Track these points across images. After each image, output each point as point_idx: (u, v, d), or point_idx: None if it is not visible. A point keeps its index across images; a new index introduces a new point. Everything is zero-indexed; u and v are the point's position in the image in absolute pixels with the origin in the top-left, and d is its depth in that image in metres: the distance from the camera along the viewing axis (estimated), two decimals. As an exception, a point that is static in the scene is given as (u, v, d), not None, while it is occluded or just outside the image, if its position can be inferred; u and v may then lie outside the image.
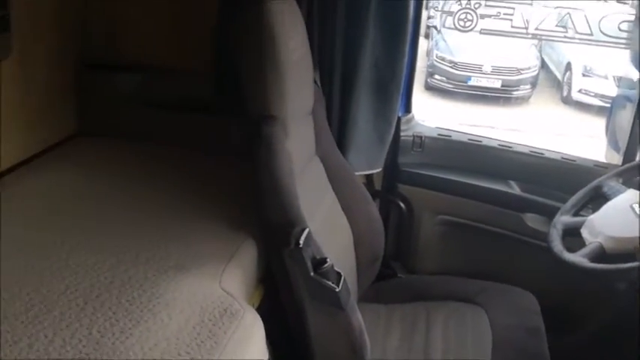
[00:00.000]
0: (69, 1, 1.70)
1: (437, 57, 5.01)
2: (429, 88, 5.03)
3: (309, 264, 1.25)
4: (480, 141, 2.00)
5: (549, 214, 1.72)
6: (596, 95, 4.74)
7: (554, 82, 5.25)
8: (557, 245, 1.53)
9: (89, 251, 1.22)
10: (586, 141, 4.17)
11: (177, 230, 1.33)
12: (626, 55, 3.26)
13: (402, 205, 1.99)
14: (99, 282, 1.12)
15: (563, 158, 1.93)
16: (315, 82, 1.61)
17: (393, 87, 1.74)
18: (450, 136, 2.02)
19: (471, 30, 2.50)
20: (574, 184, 1.72)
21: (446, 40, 5.04)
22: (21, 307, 1.04)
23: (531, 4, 2.69)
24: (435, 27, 4.88)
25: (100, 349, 0.96)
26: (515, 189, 1.95)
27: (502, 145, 1.99)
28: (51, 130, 1.72)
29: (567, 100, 5.01)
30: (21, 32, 1.50)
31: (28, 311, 1.03)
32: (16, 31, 1.48)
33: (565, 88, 5.06)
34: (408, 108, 1.99)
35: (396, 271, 2.02)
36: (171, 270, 1.18)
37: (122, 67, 1.81)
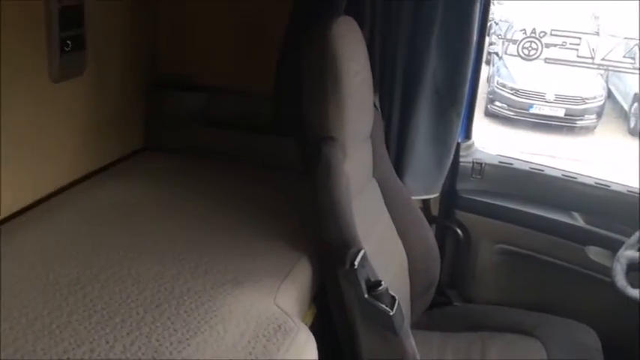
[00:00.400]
0: (141, 24, 1.79)
1: (498, 83, 4.95)
2: (489, 114, 4.97)
3: (363, 286, 1.25)
4: (543, 170, 1.95)
5: (613, 247, 1.65)
6: (665, 128, 4.56)
7: (620, 112, 5.08)
8: (621, 280, 1.48)
9: (151, 261, 1.26)
10: (654, 175, 4.00)
11: (235, 245, 1.36)
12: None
13: (459, 231, 1.96)
14: (159, 292, 1.15)
15: (629, 191, 1.86)
16: (375, 105, 1.62)
17: (454, 113, 1.73)
18: (512, 164, 1.98)
19: (536, 59, 2.46)
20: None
21: (507, 67, 4.98)
22: (84, 313, 1.08)
23: (598, 35, 2.64)
24: (497, 53, 4.84)
25: (158, 358, 0.99)
26: (578, 220, 1.89)
27: (566, 176, 1.93)
28: (120, 144, 1.80)
29: (635, 132, 4.84)
30: (95, 51, 1.58)
31: (91, 317, 1.07)
32: (91, 50, 1.57)
33: (632, 119, 4.89)
34: (468, 134, 1.97)
35: (451, 299, 1.98)
36: (229, 284, 1.20)
37: (187, 86, 1.88)
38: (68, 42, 1.47)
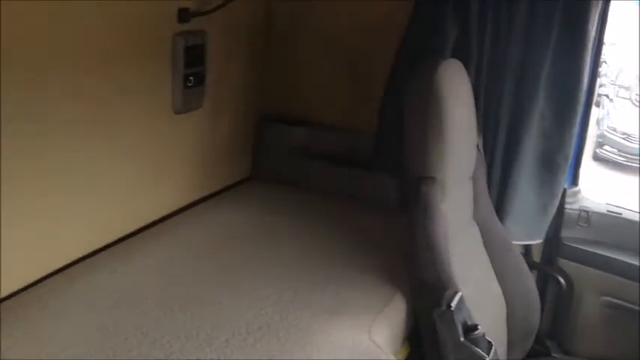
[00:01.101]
0: (253, 63, 1.91)
1: (608, 127, 4.71)
2: (598, 159, 4.73)
3: (459, 328, 1.24)
4: (654, 221, 1.84)
5: None
6: None
7: None
8: None
9: (252, 287, 1.33)
10: None
11: (333, 276, 1.39)
12: None
13: (561, 280, 1.87)
14: (260, 316, 1.22)
15: None
16: (478, 147, 1.62)
17: (561, 157, 1.68)
18: (620, 214, 1.88)
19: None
20: None
21: (618, 110, 4.73)
22: (192, 331, 1.16)
23: None
24: (607, 95, 4.63)
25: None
26: (689, 277, 1.75)
27: (679, 228, 1.81)
28: (228, 173, 1.91)
29: None
30: (213, 86, 1.71)
31: (198, 335, 1.14)
32: (209, 86, 1.69)
33: None
34: (575, 180, 1.90)
35: (550, 350, 1.89)
36: (325, 315, 1.23)
37: (293, 121, 1.97)
38: (191, 78, 1.60)
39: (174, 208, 1.69)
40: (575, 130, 1.68)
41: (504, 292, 1.61)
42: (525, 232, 1.75)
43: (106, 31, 1.35)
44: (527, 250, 1.88)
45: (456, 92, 1.41)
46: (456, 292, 1.26)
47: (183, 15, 1.54)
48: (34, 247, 1.28)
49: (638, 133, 4.62)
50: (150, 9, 1.45)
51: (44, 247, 1.31)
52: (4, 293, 1.22)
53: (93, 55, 1.33)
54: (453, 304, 1.24)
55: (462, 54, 1.60)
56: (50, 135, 1.26)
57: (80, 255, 1.40)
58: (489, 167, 1.69)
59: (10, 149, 1.16)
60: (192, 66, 1.60)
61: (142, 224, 1.58)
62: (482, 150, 1.67)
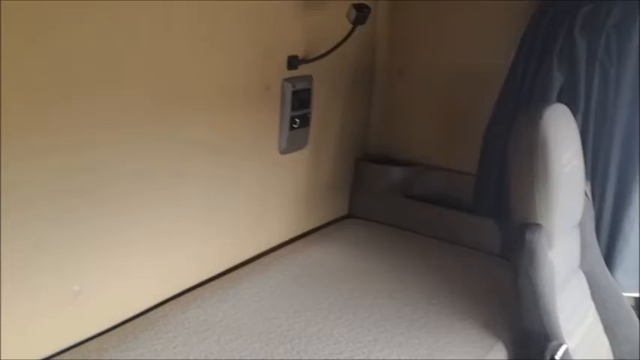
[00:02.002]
0: (355, 105, 1.97)
1: None
2: None
3: (564, 383, 1.19)
4: None
5: None
6: None
7: None
8: None
9: (351, 325, 1.35)
10: None
11: (430, 321, 1.39)
12: None
13: (677, 337, 1.74)
14: (356, 355, 1.24)
15: None
16: (586, 193, 1.57)
17: (676, 205, 1.59)
18: None
19: None
20: None
21: None
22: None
23: None
24: None
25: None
26: None
27: None
28: (327, 211, 1.97)
29: None
30: (316, 127, 1.79)
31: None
32: (313, 127, 1.77)
33: None
34: (692, 230, 1.78)
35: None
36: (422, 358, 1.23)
37: (392, 161, 2.01)
38: (297, 120, 1.68)
39: (275, 244, 1.76)
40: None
41: (612, 345, 1.53)
42: (637, 283, 1.65)
43: (221, 79, 1.46)
44: (638, 302, 1.77)
45: (563, 137, 1.38)
46: (560, 344, 1.22)
47: (293, 62, 1.63)
48: (150, 276, 1.39)
49: None
50: (262, 58, 1.56)
51: (159, 277, 1.41)
52: (124, 317, 1.33)
53: (207, 101, 1.44)
54: (558, 356, 1.20)
55: (568, 99, 1.58)
56: (174, 173, 1.39)
57: (189, 286, 1.50)
58: (598, 214, 1.63)
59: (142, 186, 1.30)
60: (298, 109, 1.68)
61: (245, 258, 1.66)
62: (590, 196, 1.61)
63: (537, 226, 1.36)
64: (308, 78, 1.70)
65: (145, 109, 1.29)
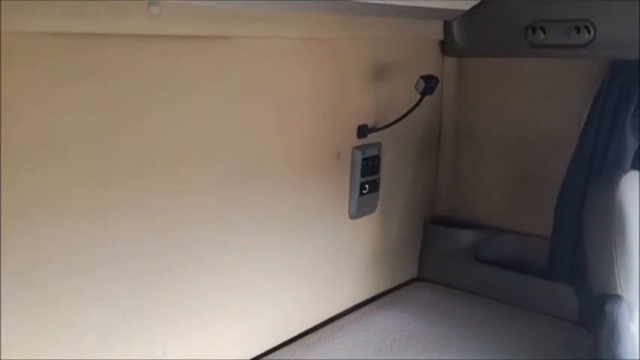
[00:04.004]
0: (423, 169, 2.00)
1: None
2: None
3: None
4: None
5: None
6: None
7: None
8: None
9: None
10: None
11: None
12: None
13: None
14: None
15: None
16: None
17: None
18: None
19: None
20: None
21: None
22: None
23: None
24: None
25: None
26: None
27: None
28: (395, 275, 1.98)
29: None
30: (385, 192, 1.82)
31: None
32: (382, 192, 1.80)
33: None
34: None
35: None
36: None
37: (462, 224, 2.00)
38: (366, 186, 1.73)
39: (346, 307, 1.78)
40: None
41: None
42: None
43: (295, 149, 1.54)
44: None
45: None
46: None
47: (362, 131, 1.69)
48: (227, 340, 1.44)
49: None
50: (333, 128, 1.63)
51: (235, 342, 1.46)
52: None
53: (282, 169, 1.52)
54: None
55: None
56: (251, 237, 1.46)
57: (264, 350, 1.53)
58: (681, 283, 1.56)
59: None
60: (367, 175, 1.73)
61: (316, 322, 1.68)
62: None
63: (618, 297, 1.32)
64: (377, 145, 1.75)
65: (227, 179, 1.38)
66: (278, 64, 1.44)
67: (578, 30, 1.60)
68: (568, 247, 1.67)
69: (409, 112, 1.69)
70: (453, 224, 2.02)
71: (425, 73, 1.66)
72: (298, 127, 1.53)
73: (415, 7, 1.60)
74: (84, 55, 1.07)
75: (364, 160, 1.71)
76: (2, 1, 0.88)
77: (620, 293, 1.32)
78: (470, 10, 1.77)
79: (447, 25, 1.87)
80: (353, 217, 1.74)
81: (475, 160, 1.99)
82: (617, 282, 1.32)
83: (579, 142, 1.67)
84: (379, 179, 1.78)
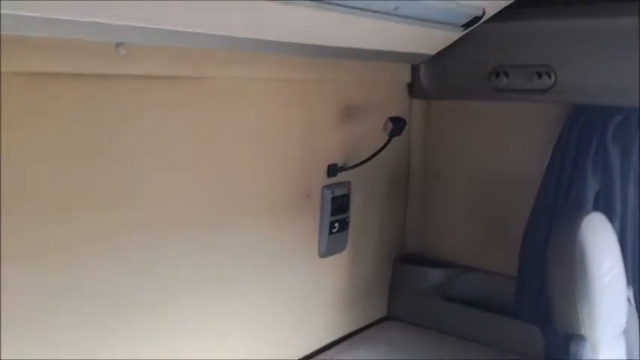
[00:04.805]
0: (393, 206, 2.03)
1: None
2: None
3: None
4: None
5: None
6: None
7: None
8: None
9: None
10: None
11: None
12: None
13: None
14: None
15: None
16: (629, 300, 1.55)
17: None
18: None
19: None
20: None
21: None
22: None
23: None
24: None
25: None
26: None
27: None
28: (365, 314, 1.97)
29: None
30: (354, 231, 1.83)
31: None
32: (352, 230, 1.82)
33: None
34: None
35: None
36: None
37: (431, 262, 2.02)
38: (336, 224, 1.74)
39: (315, 348, 1.77)
40: None
41: None
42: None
43: (264, 188, 1.54)
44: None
45: (601, 247, 1.39)
46: None
47: (332, 170, 1.71)
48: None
49: None
50: (303, 168, 1.64)
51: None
52: None
53: (251, 209, 1.52)
54: None
55: (605, 205, 1.60)
56: (220, 276, 1.45)
57: None
58: (643, 321, 1.59)
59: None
60: (337, 213, 1.74)
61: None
62: (633, 303, 1.59)
63: (581, 337, 1.34)
64: (347, 184, 1.77)
65: (197, 218, 1.38)
66: (248, 105, 1.46)
67: (539, 75, 1.66)
68: (533, 287, 1.70)
69: (378, 152, 1.71)
70: (423, 262, 2.03)
71: (393, 114, 1.70)
72: (268, 167, 1.54)
73: (383, 52, 1.65)
74: (53, 94, 1.07)
75: (334, 198, 1.72)
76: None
77: (584, 333, 1.35)
78: (436, 54, 1.83)
79: (414, 69, 1.93)
80: (322, 255, 1.74)
81: (443, 199, 2.03)
82: (581, 322, 1.35)
83: (542, 184, 1.71)
84: (349, 217, 1.79)
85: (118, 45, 1.11)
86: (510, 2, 1.59)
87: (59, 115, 1.09)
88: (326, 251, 1.74)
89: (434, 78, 1.91)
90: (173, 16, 1.09)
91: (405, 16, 1.43)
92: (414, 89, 1.97)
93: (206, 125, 1.37)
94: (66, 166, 1.11)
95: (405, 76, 1.94)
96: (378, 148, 1.71)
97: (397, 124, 1.67)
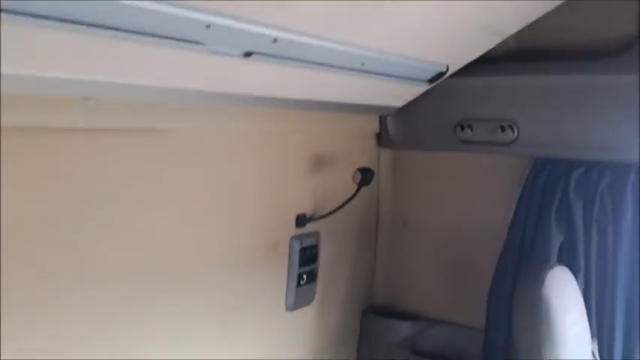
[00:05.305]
0: (362, 257, 2.02)
1: None
2: None
3: None
4: None
5: None
6: None
7: None
8: None
9: None
10: None
11: None
12: None
13: None
14: None
15: None
16: (593, 353, 1.55)
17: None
18: None
19: None
20: None
21: None
22: None
23: None
24: None
25: None
26: None
27: None
28: (335, 366, 1.94)
29: None
30: (323, 282, 1.81)
31: None
32: (320, 282, 1.80)
33: None
34: None
35: None
36: None
37: (400, 314, 2.01)
38: (304, 276, 1.72)
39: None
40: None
41: None
42: None
43: (231, 239, 1.52)
44: None
45: (566, 301, 1.40)
46: None
47: (301, 220, 1.71)
48: None
49: None
50: (271, 218, 1.63)
51: None
52: None
53: (216, 261, 1.49)
54: None
55: (569, 258, 1.62)
56: (183, 333, 1.41)
57: None
58: (608, 375, 1.60)
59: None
60: (305, 264, 1.73)
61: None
62: (597, 356, 1.59)
63: (549, 389, 1.34)
64: (315, 234, 1.76)
65: (162, 272, 1.35)
66: (215, 157, 1.45)
67: (502, 129, 1.71)
68: (501, 340, 1.70)
69: (347, 202, 1.72)
70: (392, 314, 2.01)
71: (362, 163, 1.72)
72: (235, 218, 1.53)
73: (351, 104, 1.67)
74: (17, 149, 1.05)
75: (302, 249, 1.71)
76: None
77: (550, 387, 1.34)
78: (404, 105, 1.86)
79: (382, 119, 1.96)
80: (290, 309, 1.71)
81: (411, 250, 2.03)
82: (549, 376, 1.34)
83: (508, 236, 1.73)
84: (317, 269, 1.78)
85: (85, 99, 1.10)
86: (473, 59, 1.64)
87: (20, 171, 1.06)
88: (294, 304, 1.71)
89: (402, 129, 1.94)
90: (139, 71, 1.09)
91: (372, 72, 1.46)
92: (382, 139, 1.99)
93: (172, 177, 1.35)
94: (26, 218, 1.08)
95: (374, 127, 1.96)
96: (347, 198, 1.71)
97: (366, 175, 1.68)
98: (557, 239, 1.64)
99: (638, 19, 1.54)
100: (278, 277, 1.68)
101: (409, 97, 1.81)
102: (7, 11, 0.77)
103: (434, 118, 1.84)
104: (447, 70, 1.64)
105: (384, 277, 2.06)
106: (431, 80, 1.68)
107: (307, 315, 1.79)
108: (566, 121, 1.62)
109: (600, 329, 1.61)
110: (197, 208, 1.42)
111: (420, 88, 1.73)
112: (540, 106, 1.66)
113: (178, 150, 1.36)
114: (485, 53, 1.63)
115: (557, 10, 1.49)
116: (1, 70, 0.88)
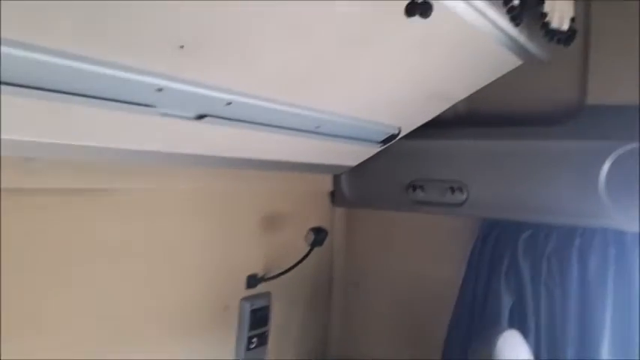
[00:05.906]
0: (315, 315, 1.98)
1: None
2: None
3: None
4: None
5: None
6: None
7: None
8: None
9: None
10: None
11: None
12: None
13: None
14: None
15: None
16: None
17: None
18: None
19: None
20: None
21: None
22: None
23: None
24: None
25: None
26: None
27: None
28: None
29: None
30: (274, 344, 1.76)
31: None
32: (272, 344, 1.74)
33: None
34: None
35: None
36: None
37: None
38: (254, 340, 1.67)
39: None
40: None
41: None
42: None
43: (177, 301, 1.47)
44: None
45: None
46: None
47: (252, 281, 1.67)
48: None
49: None
50: (221, 279, 1.59)
51: None
52: None
53: (166, 325, 1.43)
54: None
55: (519, 319, 1.63)
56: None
57: None
58: None
59: None
60: (256, 327, 1.68)
61: None
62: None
63: None
64: (267, 295, 1.72)
65: (103, 338, 1.28)
66: (164, 217, 1.42)
67: (452, 190, 1.73)
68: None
69: (299, 262, 1.69)
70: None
71: (315, 222, 1.70)
72: (183, 280, 1.48)
73: (305, 164, 1.67)
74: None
75: (253, 311, 1.66)
76: None
77: None
78: (358, 164, 1.87)
79: (336, 178, 1.96)
80: (239, 374, 1.66)
81: (364, 309, 2.01)
82: None
83: (458, 298, 1.73)
84: (268, 332, 1.73)
85: (27, 160, 1.06)
86: (424, 122, 1.68)
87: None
88: (243, 368, 1.66)
89: (355, 187, 1.95)
90: (89, 132, 1.06)
91: (326, 134, 1.47)
92: (336, 197, 1.99)
93: (119, 239, 1.31)
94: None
95: (327, 185, 1.97)
96: (300, 257, 1.69)
97: (318, 235, 1.66)
98: (507, 301, 1.65)
99: (582, 89, 1.62)
100: (227, 341, 1.63)
101: (363, 157, 1.82)
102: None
103: (387, 178, 1.86)
104: (400, 132, 1.67)
105: (337, 338, 2.03)
106: (384, 142, 1.71)
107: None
108: (514, 184, 1.66)
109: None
110: (142, 269, 1.37)
111: (374, 149, 1.76)
112: (489, 170, 1.70)
113: (125, 211, 1.32)
114: (437, 117, 1.67)
115: (504, 78, 1.55)
116: None
